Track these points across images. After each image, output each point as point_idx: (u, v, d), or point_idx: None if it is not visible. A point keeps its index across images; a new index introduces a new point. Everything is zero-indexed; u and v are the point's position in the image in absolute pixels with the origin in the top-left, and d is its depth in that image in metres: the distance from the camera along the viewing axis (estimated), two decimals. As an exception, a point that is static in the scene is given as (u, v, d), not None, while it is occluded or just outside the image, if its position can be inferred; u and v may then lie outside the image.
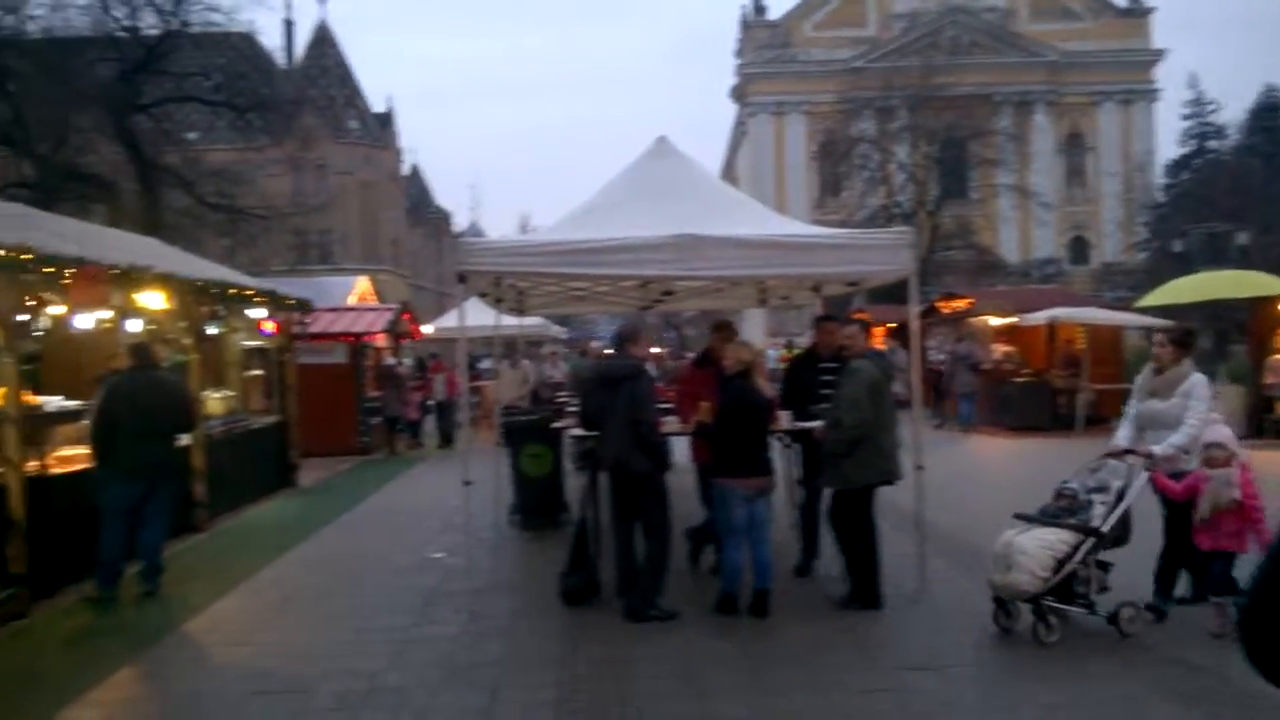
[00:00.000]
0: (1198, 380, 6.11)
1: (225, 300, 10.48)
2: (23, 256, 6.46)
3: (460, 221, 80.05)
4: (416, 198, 66.52)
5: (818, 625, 6.40)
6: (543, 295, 11.62)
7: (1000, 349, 19.96)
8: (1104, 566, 5.91)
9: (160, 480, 7.67)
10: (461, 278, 6.76)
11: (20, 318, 7.05)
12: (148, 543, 7.61)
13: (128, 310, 9.88)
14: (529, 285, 10.15)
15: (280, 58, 42.78)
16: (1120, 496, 5.88)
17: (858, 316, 16.49)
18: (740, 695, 5.23)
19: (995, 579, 5.86)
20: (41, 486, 7.35)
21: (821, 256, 6.97)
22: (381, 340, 18.49)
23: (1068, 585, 5.75)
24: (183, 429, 8.16)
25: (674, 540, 6.82)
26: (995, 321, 20.71)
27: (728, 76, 57.29)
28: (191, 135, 32.20)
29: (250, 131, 31.15)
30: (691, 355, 23.47)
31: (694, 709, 5.08)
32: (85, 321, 9.61)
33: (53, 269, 6.93)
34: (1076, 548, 5.72)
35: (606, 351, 20.92)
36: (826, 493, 7.14)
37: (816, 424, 6.91)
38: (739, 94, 56.31)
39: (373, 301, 24.15)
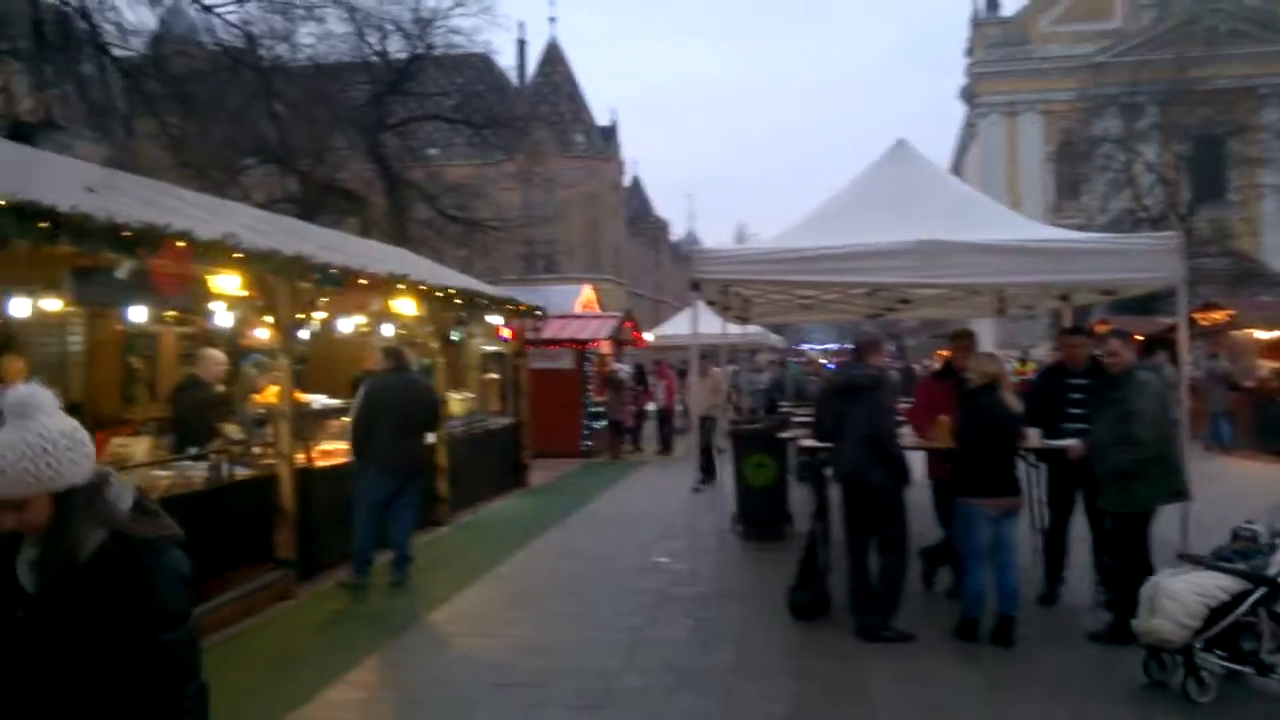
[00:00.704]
0: None
1: (468, 307, 11.04)
2: (298, 264, 7.02)
3: (677, 231, 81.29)
4: (636, 208, 68.03)
5: (1069, 657, 5.97)
6: (767, 303, 11.55)
7: (1266, 365, 18.10)
8: None
9: (410, 476, 8.15)
10: (695, 285, 6.80)
11: (294, 322, 7.64)
12: (397, 535, 8.11)
13: (382, 315, 10.62)
14: (755, 293, 10.12)
15: (513, 76, 45.00)
16: None
17: (1101, 328, 15.42)
18: (987, 726, 4.96)
19: (1137, 624, 5.22)
20: (307, 478, 7.97)
21: (1079, 263, 6.54)
22: (606, 347, 18.98)
23: (1233, 640, 5.03)
24: (431, 428, 8.61)
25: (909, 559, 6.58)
26: (1261, 335, 18.81)
27: (953, 78, 55.18)
28: (432, 151, 34.34)
29: (485, 147, 32.88)
30: (916, 367, 22.72)
31: (936, 736, 4.86)
32: (346, 326, 10.41)
33: (322, 276, 7.49)
34: (1242, 597, 5.00)
35: (820, 360, 20.57)
36: (1075, 516, 6.70)
37: (1070, 442, 6.49)
38: (969, 94, 54.02)
39: (595, 309, 24.87)
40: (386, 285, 8.63)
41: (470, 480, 11.76)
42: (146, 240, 5.37)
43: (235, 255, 6.23)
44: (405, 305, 10.07)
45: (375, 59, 26.86)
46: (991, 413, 6.06)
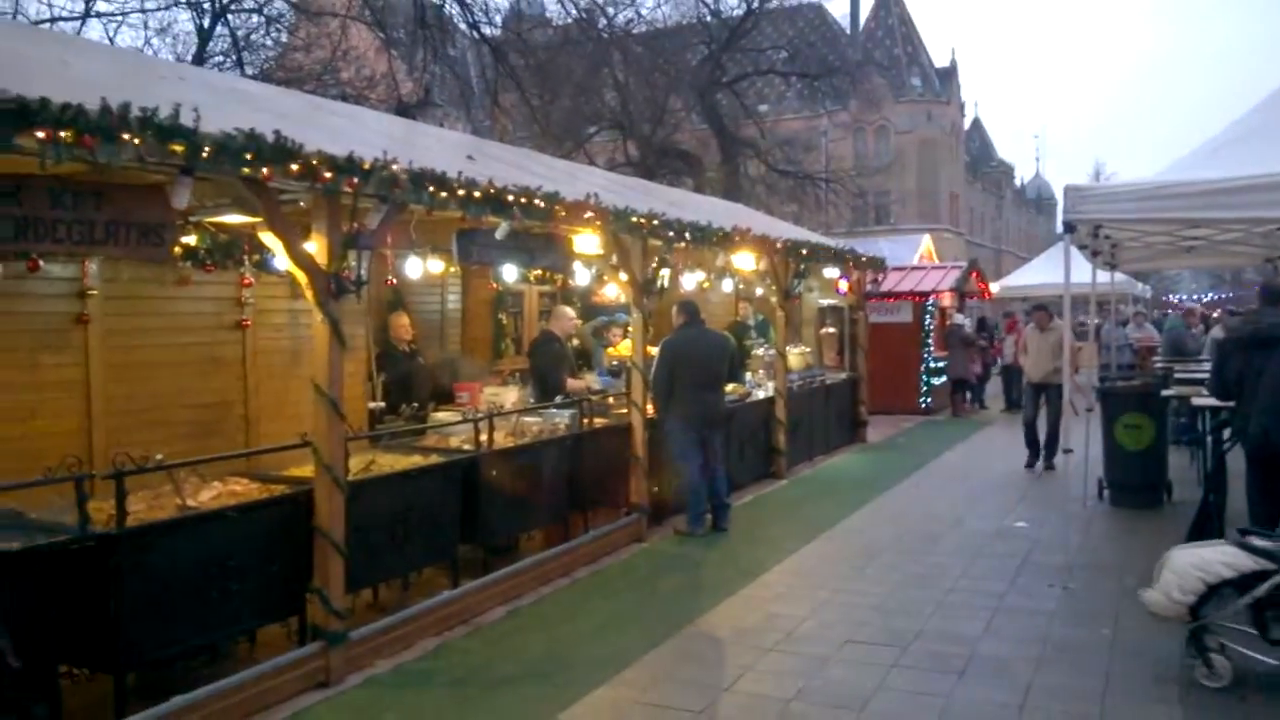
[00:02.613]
0: None
1: (807, 260, 10.92)
2: (651, 221, 7.24)
3: (1022, 174, 76.03)
4: (977, 152, 64.34)
5: None
6: (1142, 248, 10.37)
7: None
8: None
9: (715, 427, 8.22)
10: (1070, 227, 6.21)
11: (646, 278, 7.91)
12: (715, 485, 8.24)
13: (724, 270, 10.78)
14: (1130, 236, 9.11)
15: (846, 23, 43.85)
16: None
17: None
18: None
19: (1140, 594, 4.95)
20: (655, 427, 8.22)
21: None
22: (947, 299, 18.11)
23: (1262, 624, 4.64)
24: (730, 379, 8.55)
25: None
26: None
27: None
28: (763, 108, 34.38)
29: (816, 99, 32.41)
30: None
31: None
32: (689, 282, 10.67)
33: (670, 232, 7.67)
34: (1259, 577, 4.54)
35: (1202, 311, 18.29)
36: None
37: None
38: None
39: (933, 261, 23.82)
40: (730, 240, 8.69)
41: (808, 435, 11.73)
42: (522, 202, 5.74)
43: (596, 214, 6.52)
44: (745, 260, 10.15)
45: (710, 18, 27.17)
46: None
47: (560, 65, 23.82)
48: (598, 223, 6.75)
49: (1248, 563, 4.63)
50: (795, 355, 12.38)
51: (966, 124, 61.34)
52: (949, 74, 54.90)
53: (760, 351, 11.80)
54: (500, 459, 6.50)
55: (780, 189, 29.04)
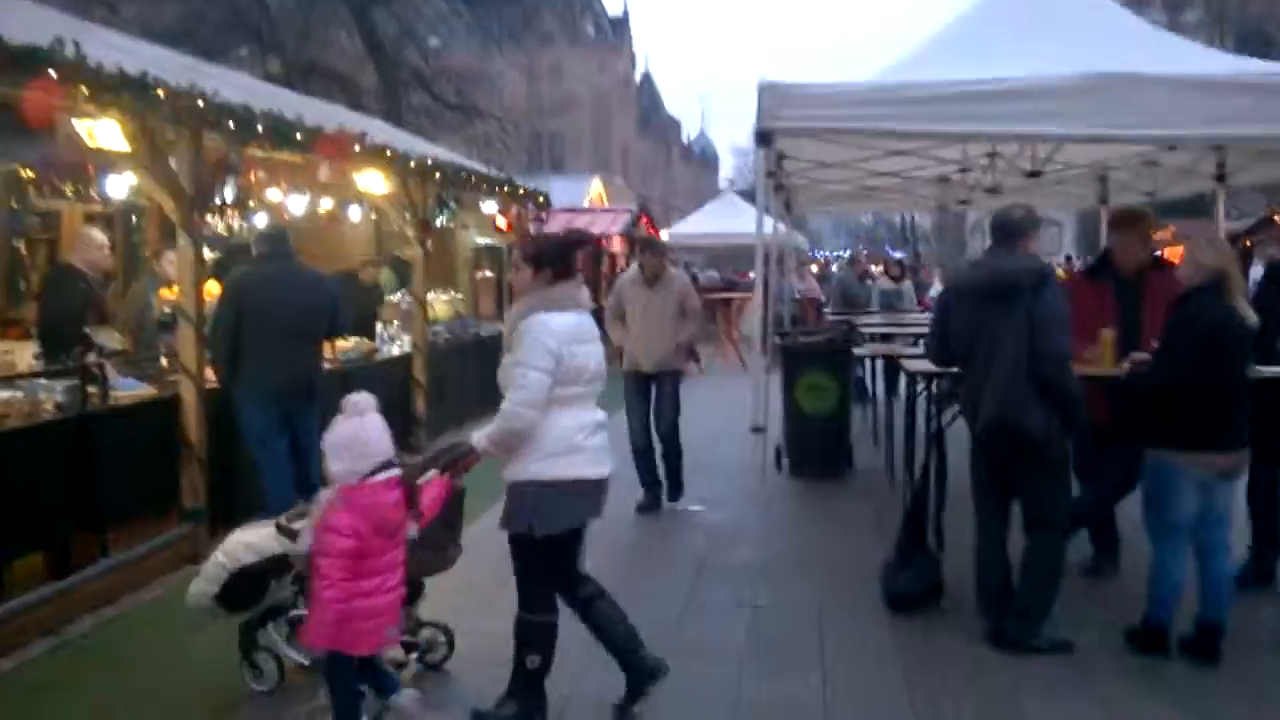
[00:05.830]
0: (527, 329, 3.51)
1: (456, 186, 8.94)
2: (195, 102, 4.93)
3: (690, 132, 78.34)
4: (647, 105, 65.11)
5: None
6: (808, 187, 9.37)
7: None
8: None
9: (304, 400, 5.87)
10: (765, 138, 4.73)
11: (200, 190, 5.58)
12: (310, 478, 5.93)
13: (347, 194, 8.60)
14: (804, 167, 7.98)
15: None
16: None
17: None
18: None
19: None
20: (224, 403, 5.89)
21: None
22: (617, 245, 16.93)
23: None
24: (327, 335, 6.32)
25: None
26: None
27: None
28: (433, 41, 31.75)
29: (488, 34, 30.39)
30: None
31: None
32: (298, 206, 8.36)
33: (233, 122, 5.40)
34: (288, 562, 3.80)
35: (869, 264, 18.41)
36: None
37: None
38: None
39: (602, 205, 22.78)
40: (340, 146, 6.54)
41: (456, 399, 9.84)
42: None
43: (74, 73, 4.13)
44: (376, 183, 8.06)
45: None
46: (1215, 326, 4.02)
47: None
48: (104, 96, 4.38)
49: (273, 546, 3.81)
50: (442, 303, 10.46)
51: (638, 77, 61.82)
52: (622, 24, 54.83)
53: (396, 298, 9.73)
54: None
55: (446, 122, 26.81)
